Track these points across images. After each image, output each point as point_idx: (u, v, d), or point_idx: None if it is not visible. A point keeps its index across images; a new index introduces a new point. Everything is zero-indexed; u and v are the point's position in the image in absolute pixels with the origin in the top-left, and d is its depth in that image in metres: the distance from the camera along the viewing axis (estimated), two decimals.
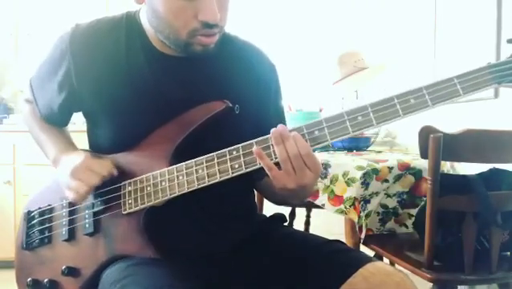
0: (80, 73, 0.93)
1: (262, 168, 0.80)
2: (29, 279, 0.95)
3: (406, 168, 1.55)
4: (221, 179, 0.82)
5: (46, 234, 0.97)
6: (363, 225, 1.52)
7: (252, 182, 1.07)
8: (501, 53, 1.85)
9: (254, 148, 0.79)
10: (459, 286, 1.55)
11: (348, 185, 1.51)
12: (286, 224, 1.09)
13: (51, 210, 0.99)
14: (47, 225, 0.98)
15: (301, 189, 0.80)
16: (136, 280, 0.78)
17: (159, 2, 0.83)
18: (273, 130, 0.78)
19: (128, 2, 2.93)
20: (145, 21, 0.92)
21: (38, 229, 0.98)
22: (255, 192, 1.11)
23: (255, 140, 0.81)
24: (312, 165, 0.78)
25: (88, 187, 0.87)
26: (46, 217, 0.99)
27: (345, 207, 1.52)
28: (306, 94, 2.82)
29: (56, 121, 1.05)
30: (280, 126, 0.78)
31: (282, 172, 0.78)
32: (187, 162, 0.85)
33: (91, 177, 0.87)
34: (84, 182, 0.87)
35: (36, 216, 1.00)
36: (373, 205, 1.56)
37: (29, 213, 1.02)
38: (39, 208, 1.01)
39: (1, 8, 3.07)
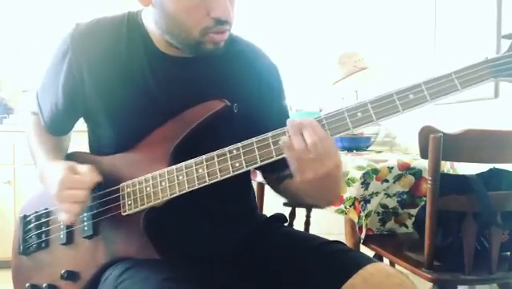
0: (82, 70, 0.92)
1: (276, 168, 0.77)
2: (27, 285, 0.94)
3: (406, 168, 1.55)
4: (222, 178, 0.81)
5: (44, 238, 0.96)
6: (363, 225, 1.52)
7: (275, 187, 1.03)
8: (501, 50, 1.84)
9: (283, 139, 0.76)
10: (459, 287, 1.54)
11: (348, 185, 1.51)
12: (286, 224, 1.09)
13: (48, 214, 0.97)
14: (44, 229, 0.96)
15: (322, 180, 0.76)
16: (136, 282, 0.78)
17: (170, 1, 0.82)
18: (289, 120, 0.77)
19: (128, 2, 2.94)
20: (149, 21, 0.92)
21: (35, 234, 0.97)
22: (255, 192, 1.10)
23: (255, 138, 0.80)
24: (328, 151, 0.75)
25: (79, 205, 0.84)
26: (43, 221, 0.97)
27: (345, 207, 1.52)
28: (306, 94, 2.83)
29: (60, 127, 1.03)
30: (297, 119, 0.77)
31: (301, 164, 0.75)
32: (186, 162, 0.84)
33: (77, 195, 0.83)
34: (73, 202, 0.83)
35: (33, 220, 0.98)
36: (373, 205, 1.56)
37: (25, 217, 1.00)
38: (36, 212, 0.99)
39: (1, 8, 3.07)
